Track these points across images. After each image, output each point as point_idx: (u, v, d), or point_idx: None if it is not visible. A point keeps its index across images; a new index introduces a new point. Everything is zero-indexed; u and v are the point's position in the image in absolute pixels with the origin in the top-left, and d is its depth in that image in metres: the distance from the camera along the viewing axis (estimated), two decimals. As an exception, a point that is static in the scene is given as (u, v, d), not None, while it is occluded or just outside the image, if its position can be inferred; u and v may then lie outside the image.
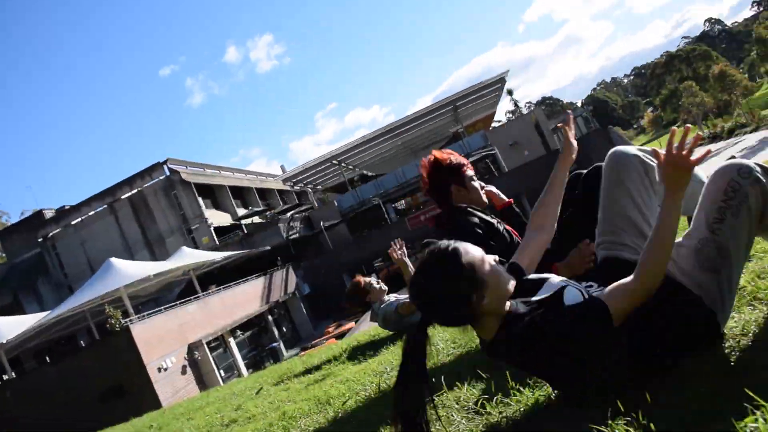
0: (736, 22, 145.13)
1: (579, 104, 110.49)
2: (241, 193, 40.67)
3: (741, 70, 77.69)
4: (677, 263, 1.58)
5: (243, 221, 36.99)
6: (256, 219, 38.08)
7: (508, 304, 1.63)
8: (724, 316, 1.57)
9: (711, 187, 1.59)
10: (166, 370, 17.72)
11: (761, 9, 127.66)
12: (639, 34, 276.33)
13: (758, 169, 1.54)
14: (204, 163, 37.57)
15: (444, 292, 1.61)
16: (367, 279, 4.73)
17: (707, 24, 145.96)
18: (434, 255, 1.65)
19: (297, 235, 34.82)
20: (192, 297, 22.00)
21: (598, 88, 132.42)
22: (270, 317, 26.83)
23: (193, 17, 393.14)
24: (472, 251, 1.64)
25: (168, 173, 34.13)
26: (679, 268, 1.58)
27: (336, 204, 37.66)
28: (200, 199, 34.50)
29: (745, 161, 1.57)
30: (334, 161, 38.08)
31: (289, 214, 37.60)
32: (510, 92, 62.54)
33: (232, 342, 22.44)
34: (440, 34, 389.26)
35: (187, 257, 23.74)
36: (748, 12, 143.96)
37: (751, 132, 51.13)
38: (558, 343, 1.50)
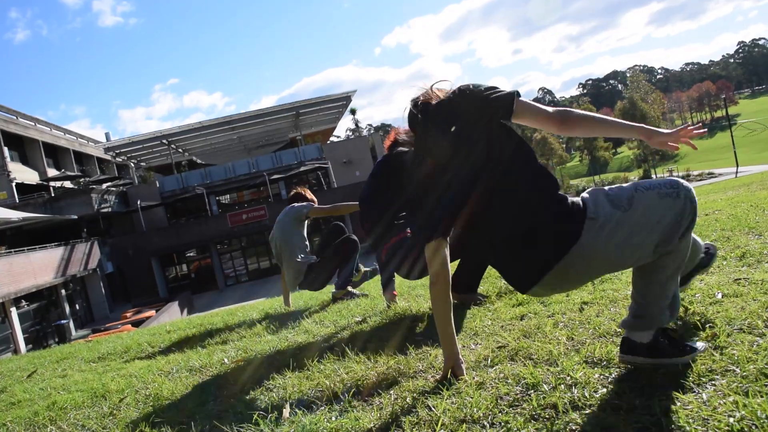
0: (563, 96, 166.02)
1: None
2: (55, 153, 38.23)
3: (560, 141, 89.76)
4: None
5: (52, 183, 34.98)
6: (68, 184, 36.18)
7: None
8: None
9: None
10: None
11: (585, 90, 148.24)
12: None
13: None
14: (18, 110, 34.57)
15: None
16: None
17: (540, 92, 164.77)
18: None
19: (110, 209, 33.86)
20: (-27, 254, 20.32)
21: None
22: (63, 291, 26.02)
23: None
24: None
25: (-29, 111, 31.15)
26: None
27: (158, 185, 37.05)
28: (6, 149, 31.96)
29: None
30: (164, 140, 37.52)
31: (105, 186, 36.31)
32: (353, 111, 65.28)
33: (14, 312, 21.17)
34: (299, 37, 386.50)
35: (-24, 210, 21.74)
36: (575, 90, 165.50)
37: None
38: None
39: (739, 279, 2.37)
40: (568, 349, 1.97)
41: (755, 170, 33.31)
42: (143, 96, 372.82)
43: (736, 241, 3.19)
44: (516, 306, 2.82)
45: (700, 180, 45.02)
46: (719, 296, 2.19)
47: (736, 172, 38.99)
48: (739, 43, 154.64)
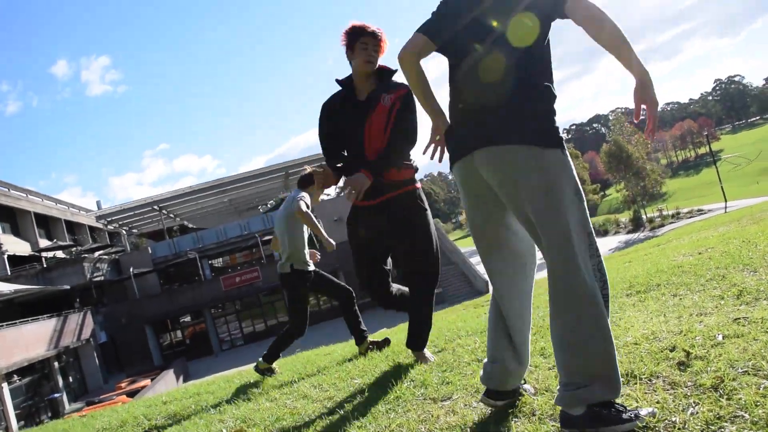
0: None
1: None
2: (46, 223, 38.21)
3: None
4: None
5: (44, 254, 34.80)
6: (60, 253, 36.01)
7: None
8: None
9: None
10: None
11: (569, 136, 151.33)
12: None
13: None
14: (10, 183, 34.63)
15: None
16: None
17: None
18: None
19: (102, 277, 33.58)
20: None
21: (425, 179, 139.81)
22: (56, 364, 25.46)
23: (25, 18, 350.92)
24: None
25: (-36, 186, 31.26)
26: None
27: (150, 251, 36.94)
28: (-3, 221, 32.08)
29: None
30: (155, 206, 37.60)
31: (97, 254, 36.15)
32: (341, 167, 66.07)
33: (5, 388, 20.63)
34: (286, 97, 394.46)
35: (-31, 284, 21.77)
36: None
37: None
38: None
39: (739, 318, 2.35)
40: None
41: (743, 204, 33.68)
42: (133, 162, 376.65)
43: (731, 279, 3.19)
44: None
45: (690, 217, 45.38)
46: (720, 338, 2.17)
47: (725, 207, 39.37)
48: (715, 80, 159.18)
